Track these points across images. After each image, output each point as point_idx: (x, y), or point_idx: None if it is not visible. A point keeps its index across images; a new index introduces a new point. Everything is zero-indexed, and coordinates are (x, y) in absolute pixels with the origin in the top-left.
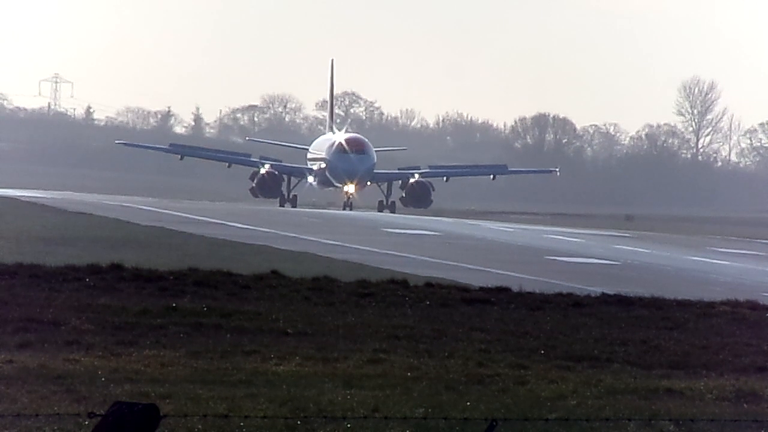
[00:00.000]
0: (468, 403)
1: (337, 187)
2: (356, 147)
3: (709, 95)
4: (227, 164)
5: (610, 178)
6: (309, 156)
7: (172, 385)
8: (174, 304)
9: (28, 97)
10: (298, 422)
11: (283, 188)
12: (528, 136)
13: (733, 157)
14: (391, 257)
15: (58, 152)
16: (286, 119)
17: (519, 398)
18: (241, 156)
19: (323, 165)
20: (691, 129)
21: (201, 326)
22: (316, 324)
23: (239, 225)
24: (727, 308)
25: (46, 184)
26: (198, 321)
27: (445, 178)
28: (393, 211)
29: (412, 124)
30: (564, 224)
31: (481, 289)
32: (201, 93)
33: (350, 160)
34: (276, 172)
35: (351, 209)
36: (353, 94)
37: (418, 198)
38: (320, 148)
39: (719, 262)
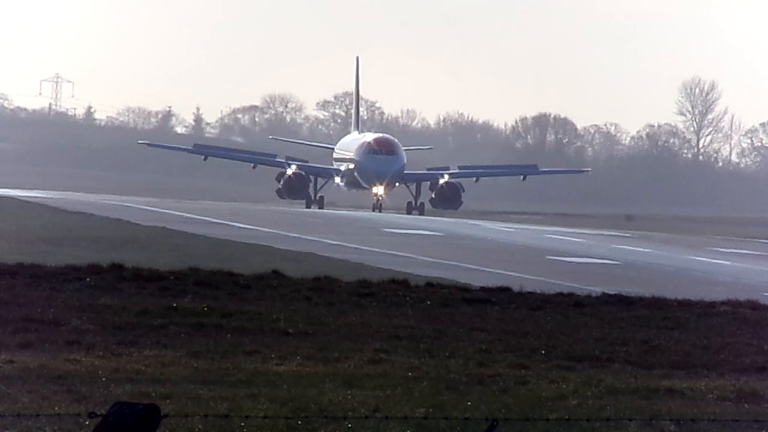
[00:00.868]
0: (469, 403)
1: (365, 188)
2: (386, 147)
3: (710, 95)
4: (252, 165)
5: (611, 178)
6: (335, 156)
7: (173, 385)
8: (175, 304)
9: (29, 97)
10: (299, 422)
11: (310, 189)
12: (529, 136)
13: (734, 157)
14: (392, 257)
15: (59, 152)
16: (287, 119)
17: (520, 398)
18: (266, 156)
19: (351, 166)
20: (691, 129)
21: (202, 326)
22: (317, 324)
23: (240, 225)
24: (727, 308)
25: (47, 184)
26: (199, 321)
27: (475, 179)
28: (422, 213)
29: (413, 124)
30: (564, 224)
31: (482, 289)
32: (202, 93)
33: (380, 161)
34: (303, 173)
35: (380, 211)
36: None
37: (448, 199)
38: (348, 148)
39: (720, 261)
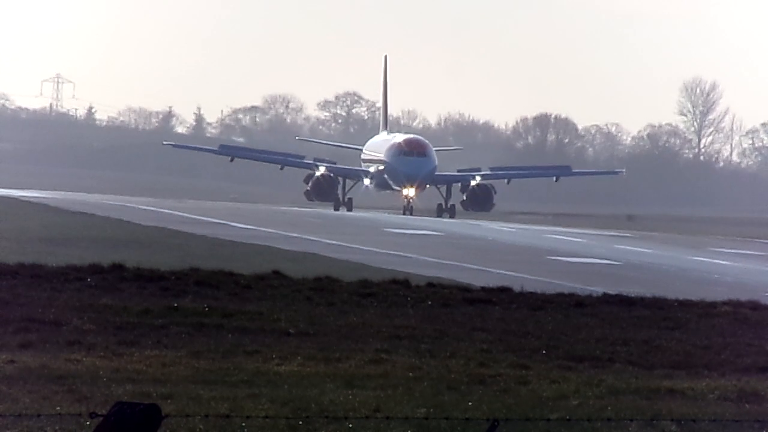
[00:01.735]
0: (469, 403)
1: (395, 190)
2: (417, 149)
3: (711, 95)
4: (280, 166)
5: (612, 178)
6: (364, 157)
7: (174, 385)
8: (175, 304)
9: (30, 98)
10: (300, 422)
11: (338, 191)
12: (529, 137)
13: (735, 157)
14: (393, 257)
15: (60, 152)
16: (288, 120)
17: (520, 398)
18: (294, 158)
19: (381, 167)
20: (692, 129)
21: (202, 326)
22: (318, 324)
23: (241, 225)
24: (728, 308)
25: (48, 184)
26: (199, 321)
27: (506, 180)
28: (453, 216)
29: (414, 124)
30: (565, 224)
31: (483, 289)
32: (202, 93)
33: (410, 163)
34: (331, 175)
35: (411, 213)
36: (355, 94)
37: (480, 202)
38: (377, 149)
39: (721, 262)
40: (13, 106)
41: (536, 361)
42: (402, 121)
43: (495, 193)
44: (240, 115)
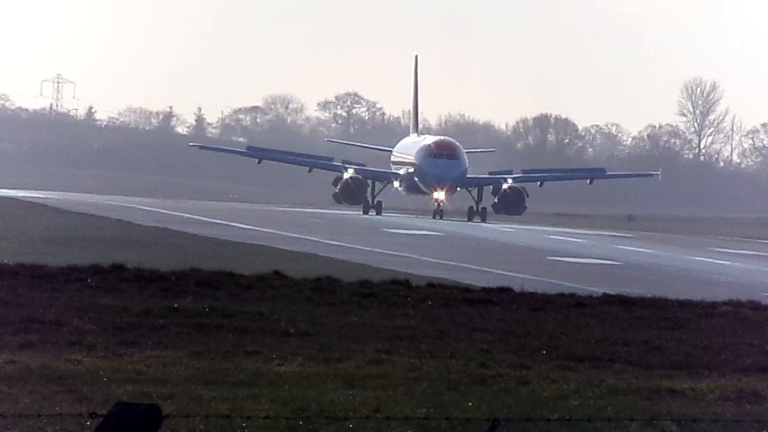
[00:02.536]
0: (470, 404)
1: (425, 193)
2: (447, 151)
3: (711, 96)
4: (308, 168)
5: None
6: (393, 159)
7: (174, 386)
8: (176, 305)
9: (30, 98)
10: (300, 422)
11: (368, 194)
12: (530, 137)
13: (735, 158)
14: (393, 257)
15: (60, 153)
16: (288, 120)
17: (521, 398)
18: (323, 160)
19: (411, 170)
20: (693, 129)
21: (203, 326)
22: (318, 324)
23: (241, 225)
24: (729, 308)
25: (48, 184)
26: (200, 321)
27: (539, 183)
28: (484, 219)
29: None
30: (565, 225)
31: (483, 289)
32: (203, 93)
33: (440, 165)
34: (360, 177)
35: (441, 217)
36: (355, 94)
37: (512, 205)
38: (407, 151)
39: (721, 262)
40: (13, 107)
41: (536, 362)
42: (402, 122)
43: (527, 195)
44: (240, 116)
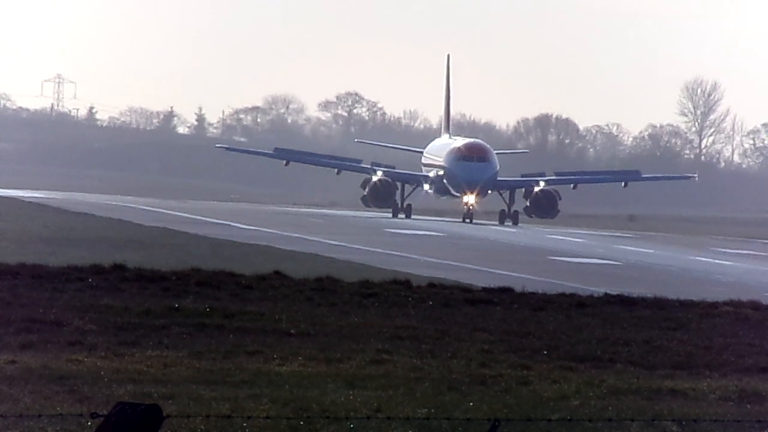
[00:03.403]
0: (471, 404)
1: (455, 196)
2: (477, 153)
3: (712, 96)
4: (336, 170)
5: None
6: (424, 161)
7: (175, 386)
8: (177, 305)
9: (30, 98)
10: (301, 423)
11: (397, 197)
12: (531, 137)
13: (736, 158)
14: (394, 257)
15: (61, 153)
16: (289, 120)
17: (522, 399)
18: (352, 162)
19: (440, 172)
20: (693, 129)
21: (204, 327)
22: (319, 324)
23: (242, 225)
24: (729, 308)
25: (49, 184)
26: (201, 321)
27: (572, 186)
28: (516, 222)
29: (415, 124)
30: (566, 225)
31: (484, 289)
32: (203, 93)
33: (471, 168)
34: (389, 180)
35: (471, 221)
36: (356, 94)
37: (544, 208)
38: (437, 153)
39: (722, 262)
40: (14, 106)
41: (537, 362)
42: (403, 122)
43: (560, 199)
44: (241, 116)
